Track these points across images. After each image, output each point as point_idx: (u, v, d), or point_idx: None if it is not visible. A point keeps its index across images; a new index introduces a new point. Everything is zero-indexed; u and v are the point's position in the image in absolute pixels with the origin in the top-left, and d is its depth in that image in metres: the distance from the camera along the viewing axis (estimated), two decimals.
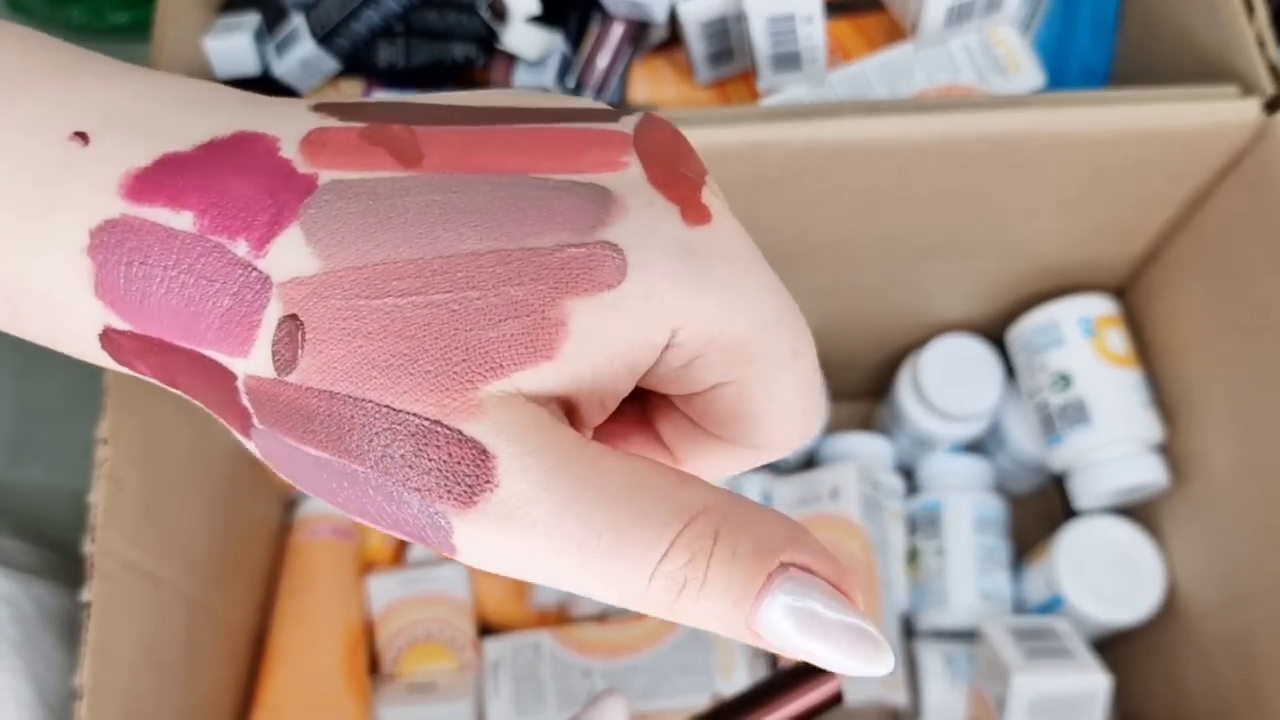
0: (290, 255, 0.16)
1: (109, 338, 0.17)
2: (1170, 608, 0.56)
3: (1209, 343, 0.53)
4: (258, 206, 0.16)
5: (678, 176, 0.17)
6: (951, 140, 0.45)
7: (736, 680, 0.55)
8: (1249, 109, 0.45)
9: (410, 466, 0.15)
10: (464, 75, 0.57)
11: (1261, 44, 0.46)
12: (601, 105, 0.19)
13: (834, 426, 0.64)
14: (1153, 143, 0.47)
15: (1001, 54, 0.52)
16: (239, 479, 0.57)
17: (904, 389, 0.61)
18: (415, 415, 0.15)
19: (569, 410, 0.17)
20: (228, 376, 0.17)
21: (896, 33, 0.53)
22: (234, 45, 0.54)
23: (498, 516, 0.15)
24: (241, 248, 0.16)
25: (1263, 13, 0.46)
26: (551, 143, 0.17)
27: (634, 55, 0.55)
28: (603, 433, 0.20)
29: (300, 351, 0.16)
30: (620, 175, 0.17)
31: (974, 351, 0.60)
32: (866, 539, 0.56)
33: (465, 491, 0.15)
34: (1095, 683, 0.51)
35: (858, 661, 0.16)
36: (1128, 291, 0.59)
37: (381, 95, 0.19)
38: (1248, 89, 0.46)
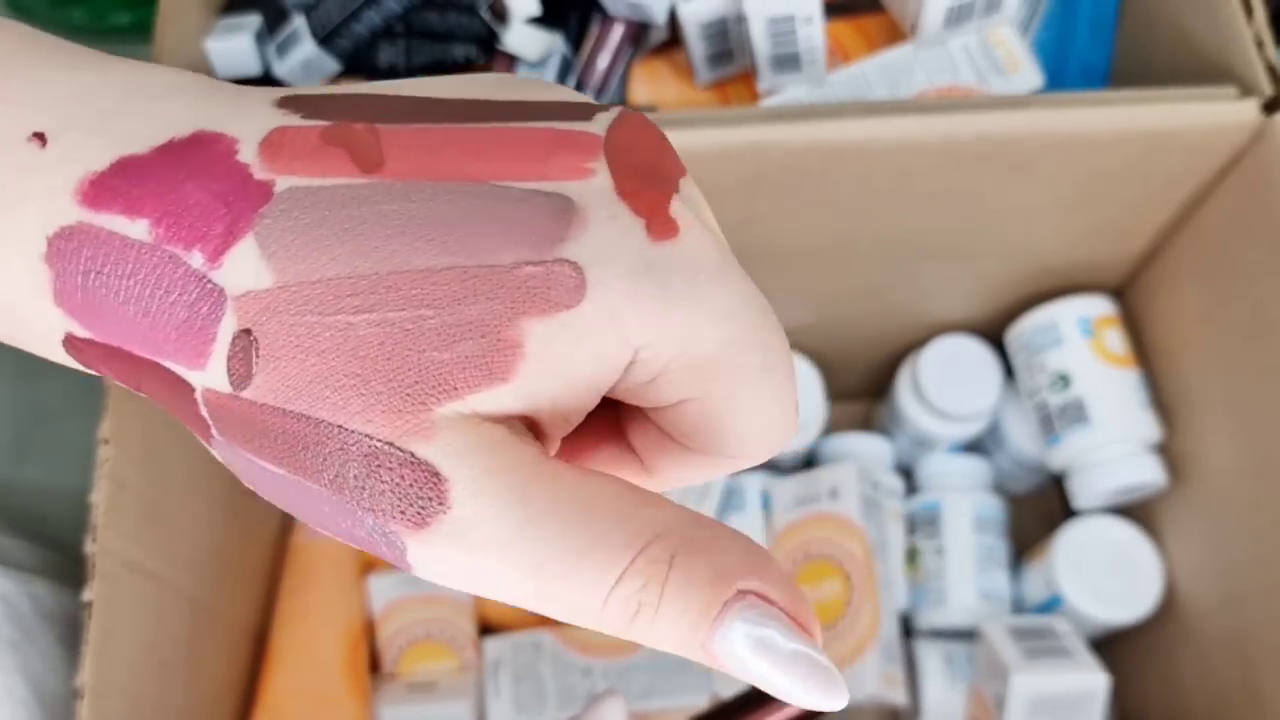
0: (245, 268, 0.16)
1: (71, 344, 0.17)
2: (1169, 607, 0.56)
3: (1208, 343, 0.53)
4: (213, 216, 0.16)
5: (646, 186, 0.17)
6: (951, 141, 0.45)
7: (736, 680, 0.55)
8: (1247, 110, 0.45)
9: (363, 488, 0.15)
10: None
11: (1260, 45, 0.46)
12: (580, 99, 0.18)
13: (833, 426, 0.64)
14: (1151, 143, 0.47)
15: (1001, 55, 0.52)
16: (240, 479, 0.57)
17: (903, 389, 0.61)
18: (367, 436, 0.15)
19: (531, 425, 0.17)
20: (187, 387, 0.17)
21: (896, 33, 0.53)
22: (235, 46, 0.54)
23: (451, 537, 0.15)
24: (196, 259, 0.16)
25: (1261, 14, 0.46)
26: (517, 146, 0.16)
27: (634, 56, 0.55)
28: (572, 441, 0.20)
29: (255, 367, 0.16)
30: (586, 184, 0.16)
31: (973, 352, 0.60)
32: (866, 539, 0.56)
33: (418, 514, 0.15)
34: (1094, 682, 0.51)
35: (811, 693, 0.16)
36: (1126, 292, 0.59)
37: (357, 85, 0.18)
38: (1246, 90, 0.46)
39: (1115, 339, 0.57)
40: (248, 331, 0.16)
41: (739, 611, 0.15)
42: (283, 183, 0.16)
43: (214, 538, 0.53)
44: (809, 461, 0.64)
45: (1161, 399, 0.56)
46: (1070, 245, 0.55)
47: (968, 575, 0.58)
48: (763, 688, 0.16)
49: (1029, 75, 0.52)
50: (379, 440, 0.15)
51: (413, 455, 0.15)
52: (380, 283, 0.15)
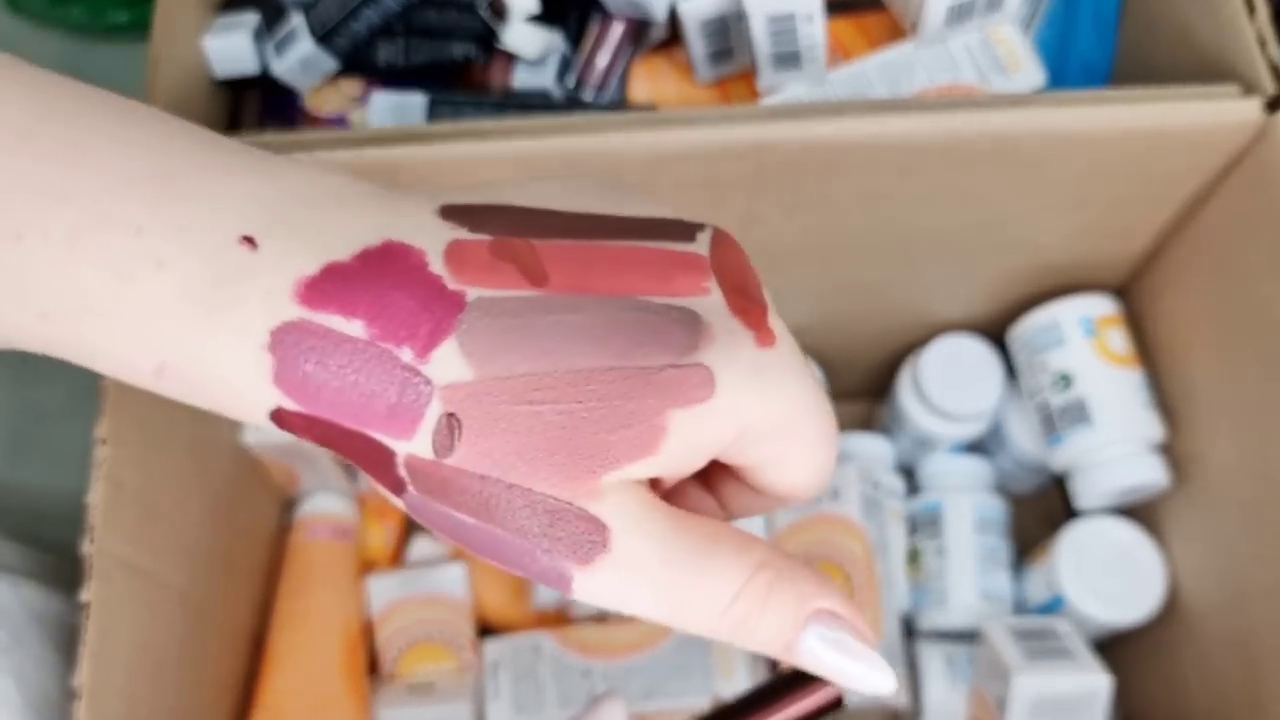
0: (449, 363, 0.20)
1: (279, 415, 0.21)
2: (1171, 608, 0.55)
3: (1210, 342, 0.53)
4: (419, 319, 0.20)
5: (751, 304, 0.22)
6: (952, 139, 0.45)
7: (736, 681, 0.55)
8: (1250, 108, 0.45)
9: (544, 535, 0.20)
10: (464, 74, 0.57)
11: (1262, 43, 0.46)
12: (675, 216, 0.22)
13: None
14: (1153, 142, 0.47)
15: (1002, 53, 0.52)
16: (238, 480, 0.57)
17: (904, 389, 0.61)
18: (551, 497, 0.20)
19: (654, 481, 0.22)
20: (388, 453, 0.20)
21: (897, 32, 0.53)
22: (233, 44, 0.54)
23: (610, 571, 0.20)
24: (407, 354, 0.20)
25: (1264, 12, 0.46)
26: (647, 266, 0.21)
27: (634, 54, 0.55)
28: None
29: (457, 442, 0.20)
30: (705, 301, 0.21)
31: (974, 351, 0.60)
32: (867, 539, 0.56)
33: (585, 554, 0.20)
34: (1096, 683, 0.51)
35: (870, 677, 0.22)
36: (1129, 291, 0.59)
37: (490, 194, 0.23)
38: (1249, 88, 0.46)
39: (1117, 339, 0.56)
40: (453, 415, 0.20)
41: (814, 624, 0.22)
42: (472, 293, 0.20)
43: (212, 538, 0.53)
44: None
45: (1164, 399, 0.56)
46: (1072, 244, 0.55)
47: (969, 576, 0.58)
48: (834, 676, 0.22)
49: (1030, 74, 0.52)
50: (560, 499, 0.20)
51: (585, 511, 0.20)
52: (560, 380, 0.20)
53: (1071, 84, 0.55)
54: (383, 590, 0.60)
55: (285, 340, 0.20)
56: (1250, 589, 0.50)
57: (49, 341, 0.21)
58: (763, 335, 0.21)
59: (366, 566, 0.62)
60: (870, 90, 0.51)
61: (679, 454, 0.20)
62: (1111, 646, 0.59)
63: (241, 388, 0.21)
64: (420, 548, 0.62)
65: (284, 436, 0.55)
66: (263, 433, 0.56)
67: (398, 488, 0.21)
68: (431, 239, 0.20)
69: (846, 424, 0.65)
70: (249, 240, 0.20)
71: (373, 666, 0.60)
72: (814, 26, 0.49)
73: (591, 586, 0.21)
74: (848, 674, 0.22)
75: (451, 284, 0.20)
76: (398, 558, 0.63)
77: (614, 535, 0.20)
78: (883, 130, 0.44)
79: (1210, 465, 0.54)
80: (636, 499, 0.20)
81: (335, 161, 0.43)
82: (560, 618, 0.60)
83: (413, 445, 0.20)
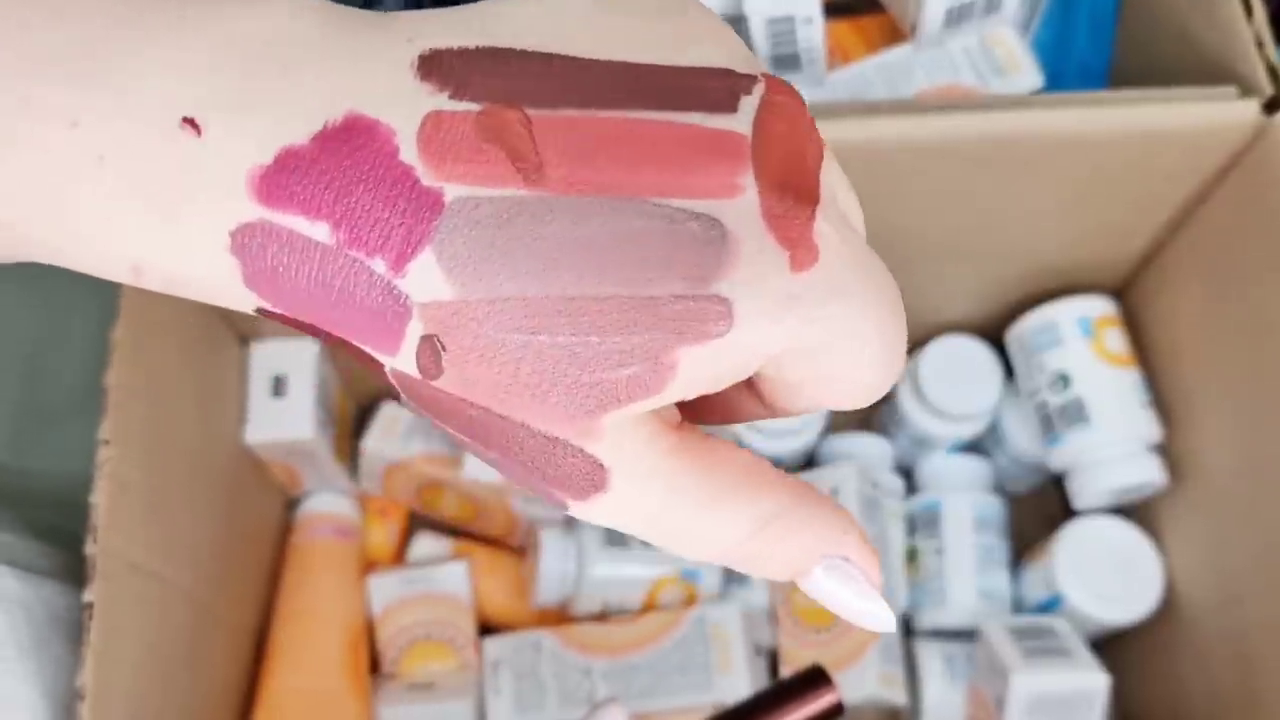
0: (427, 280, 0.17)
1: (265, 313, 0.18)
2: (1168, 607, 0.56)
3: (1207, 343, 0.53)
4: (390, 225, 0.17)
5: (791, 211, 0.18)
6: (950, 141, 0.45)
7: (735, 677, 0.55)
8: (1247, 110, 0.45)
9: (538, 465, 0.18)
10: None
11: (1260, 45, 0.46)
12: (727, 70, 0.19)
13: (833, 426, 0.64)
14: (1151, 143, 0.47)
15: (1000, 55, 0.52)
16: (241, 479, 0.57)
17: (903, 389, 0.61)
18: (544, 434, 0.18)
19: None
20: (377, 362, 0.18)
21: (896, 34, 0.53)
22: None
23: (607, 508, 0.19)
24: (380, 265, 0.17)
25: (1261, 14, 0.46)
26: (669, 152, 0.18)
27: None
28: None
29: (443, 364, 0.17)
30: (736, 205, 0.18)
31: (973, 352, 0.60)
32: None
33: (581, 491, 0.19)
34: (1094, 682, 0.51)
35: (866, 619, 0.21)
36: (1126, 292, 0.59)
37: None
38: (1246, 90, 0.46)
39: (1115, 339, 0.57)
40: (434, 336, 0.17)
41: (821, 566, 0.20)
42: (450, 191, 0.17)
43: (215, 537, 0.53)
44: (809, 461, 0.64)
45: (1161, 399, 0.56)
46: (1070, 245, 0.55)
47: (968, 575, 0.59)
48: (837, 610, 0.21)
49: (1028, 75, 0.52)
50: (555, 438, 0.18)
51: (583, 450, 0.18)
52: (552, 306, 0.17)
53: (1069, 86, 0.55)
54: (384, 589, 0.60)
55: (247, 244, 0.17)
56: (1246, 587, 0.50)
57: (14, 246, 0.19)
58: (799, 254, 0.18)
59: (368, 565, 0.62)
60: (869, 92, 0.51)
61: (692, 388, 0.18)
62: (1109, 645, 0.59)
63: (217, 287, 0.18)
64: (421, 547, 0.62)
65: (286, 436, 0.56)
66: (265, 432, 0.56)
67: (394, 392, 0.19)
68: (404, 110, 0.17)
69: (846, 424, 0.66)
70: (191, 123, 0.17)
71: (374, 665, 0.60)
72: (813, 29, 0.49)
73: (589, 514, 0.19)
74: (848, 609, 0.21)
75: (427, 178, 0.17)
76: (399, 556, 0.63)
77: (612, 476, 0.18)
78: (882, 132, 0.45)
79: (1207, 465, 0.54)
80: (641, 437, 0.18)
81: None
82: (561, 616, 0.60)
83: (397, 361, 0.18)
